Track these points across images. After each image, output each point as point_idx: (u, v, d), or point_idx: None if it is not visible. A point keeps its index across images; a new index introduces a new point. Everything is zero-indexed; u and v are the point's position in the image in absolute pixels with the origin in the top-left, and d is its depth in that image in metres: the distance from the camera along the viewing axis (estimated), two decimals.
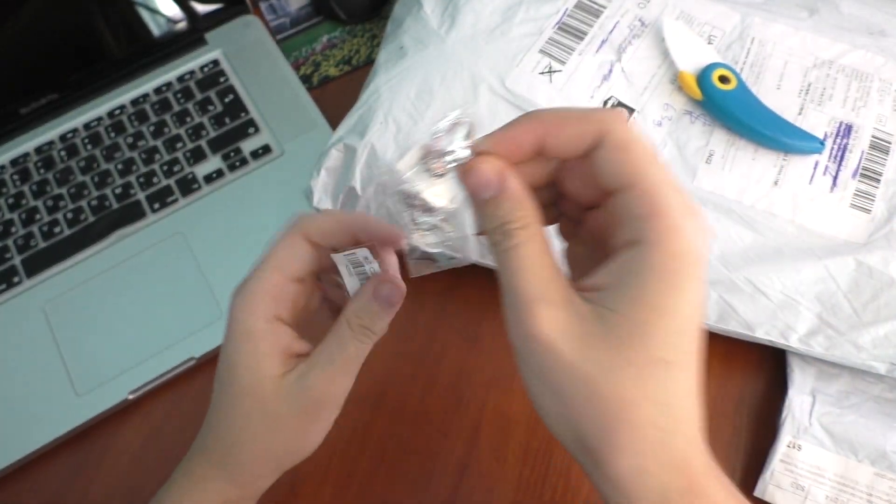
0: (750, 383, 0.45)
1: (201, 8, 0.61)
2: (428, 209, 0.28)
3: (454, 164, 0.26)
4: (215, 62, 0.60)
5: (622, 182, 0.25)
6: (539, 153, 0.26)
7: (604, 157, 0.25)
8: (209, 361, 0.48)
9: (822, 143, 0.44)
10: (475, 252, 0.41)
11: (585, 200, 0.28)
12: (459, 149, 0.26)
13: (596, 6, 0.50)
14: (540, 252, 0.25)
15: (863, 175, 0.44)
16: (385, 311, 0.32)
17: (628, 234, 0.24)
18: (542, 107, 0.46)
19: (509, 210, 0.26)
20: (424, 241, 0.29)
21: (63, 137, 0.58)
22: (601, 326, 0.23)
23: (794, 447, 0.41)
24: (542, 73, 0.47)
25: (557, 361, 0.23)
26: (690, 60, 0.47)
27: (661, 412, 0.23)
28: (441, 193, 0.27)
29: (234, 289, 0.32)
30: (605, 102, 0.46)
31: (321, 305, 0.36)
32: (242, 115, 0.58)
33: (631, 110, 0.46)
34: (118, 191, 0.55)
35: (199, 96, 0.59)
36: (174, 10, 0.61)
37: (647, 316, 0.23)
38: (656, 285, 0.23)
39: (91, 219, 0.54)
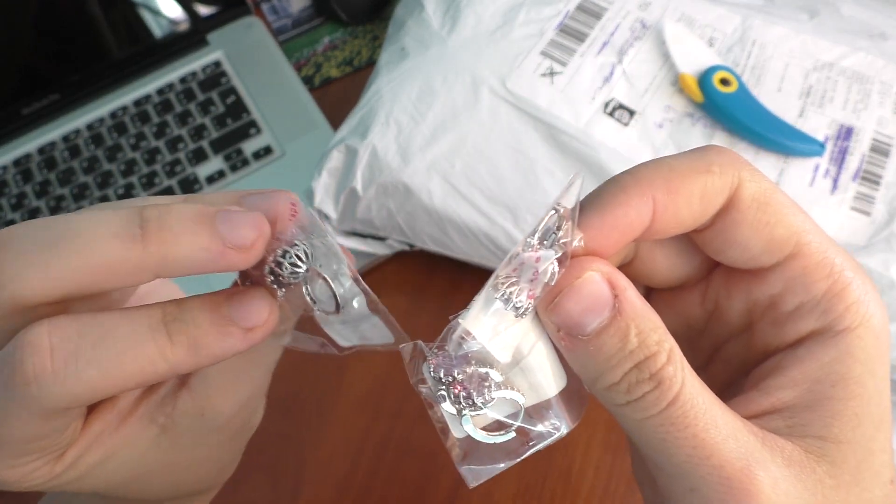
0: None
1: (203, 9, 0.61)
2: (480, 376, 0.18)
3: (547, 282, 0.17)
4: (217, 63, 0.61)
5: (779, 251, 0.18)
6: (644, 236, 0.18)
7: (744, 223, 0.18)
8: None
9: (822, 145, 0.45)
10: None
11: (660, 281, 0.21)
12: (549, 262, 0.17)
13: (597, 8, 0.50)
14: (702, 386, 0.17)
15: (863, 178, 0.44)
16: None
17: (806, 321, 0.18)
18: (542, 107, 0.46)
19: (644, 337, 0.16)
20: (480, 426, 0.19)
21: (65, 138, 0.58)
22: (827, 468, 0.17)
23: None
24: (544, 74, 0.47)
25: None
26: (691, 62, 0.47)
27: None
28: (506, 342, 0.18)
29: None
30: (607, 104, 0.46)
31: None
32: (244, 115, 0.58)
33: (632, 112, 0.46)
34: (120, 191, 0.55)
35: (200, 97, 0.59)
36: (176, 12, 0.61)
37: (872, 432, 0.17)
38: (872, 386, 0.17)
39: None
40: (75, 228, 0.17)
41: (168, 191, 0.55)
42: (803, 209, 0.19)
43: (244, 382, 0.23)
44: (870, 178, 0.44)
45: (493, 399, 0.18)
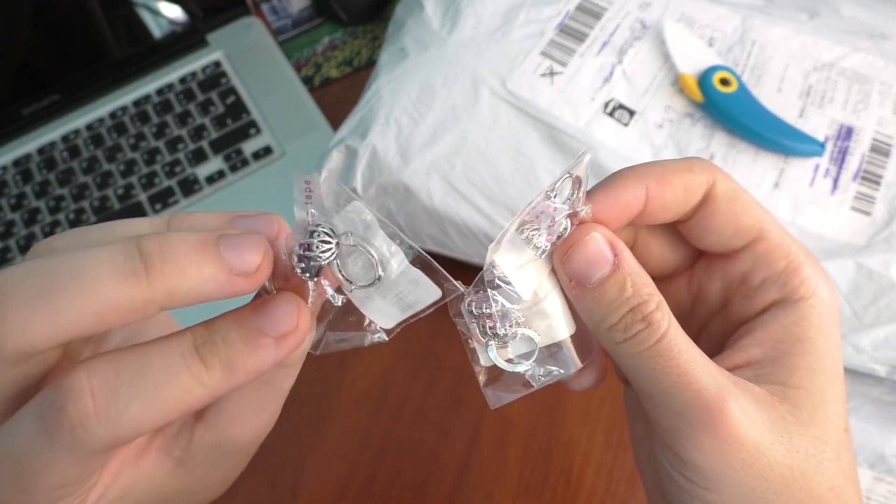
0: None
1: (203, 9, 0.61)
2: (505, 313, 0.21)
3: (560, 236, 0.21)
4: (217, 63, 0.60)
5: (746, 236, 0.22)
6: (637, 220, 0.22)
7: (718, 214, 0.22)
8: None
9: (822, 145, 0.45)
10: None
11: (656, 268, 0.25)
12: (563, 215, 0.20)
13: (597, 8, 0.50)
14: (684, 334, 0.20)
15: (863, 178, 0.44)
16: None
17: (769, 292, 0.22)
18: (542, 107, 0.46)
19: (638, 288, 0.20)
20: (503, 358, 0.22)
21: (65, 138, 0.58)
22: (788, 407, 0.20)
23: None
24: (544, 74, 0.47)
25: (767, 464, 0.20)
26: (691, 63, 0.47)
27: (857, 490, 0.21)
28: (527, 283, 0.21)
29: None
30: (607, 104, 0.46)
31: None
32: (244, 116, 0.58)
33: (632, 112, 0.46)
34: (120, 191, 0.55)
35: (200, 97, 0.59)
36: (176, 12, 0.61)
37: (826, 384, 0.21)
38: (824, 347, 0.21)
39: (93, 219, 0.54)
40: (75, 271, 0.17)
41: (168, 191, 0.55)
42: (764, 206, 0.23)
43: (259, 411, 0.23)
44: (870, 178, 0.44)
45: (515, 334, 0.21)
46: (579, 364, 0.22)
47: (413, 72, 0.48)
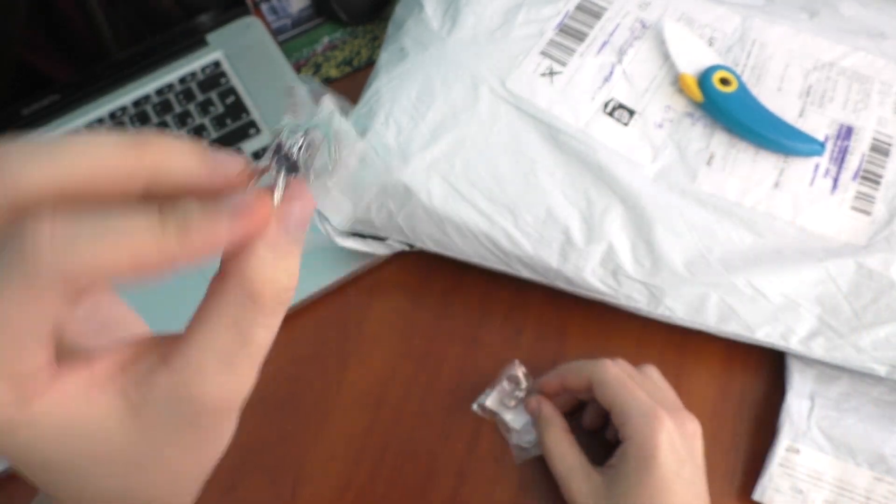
0: (750, 385, 0.45)
1: (202, 9, 0.61)
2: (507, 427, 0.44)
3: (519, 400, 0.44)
4: (216, 63, 0.60)
5: (607, 404, 0.39)
6: (564, 390, 0.43)
7: (595, 391, 0.40)
8: None
9: (822, 145, 0.44)
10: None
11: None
12: (520, 394, 0.44)
13: (597, 8, 0.50)
14: (565, 438, 0.41)
15: (863, 177, 0.44)
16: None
17: (621, 432, 0.38)
18: (542, 107, 0.46)
19: (545, 416, 0.42)
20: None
21: None
22: (610, 490, 0.38)
23: (792, 451, 0.41)
24: (543, 74, 0.47)
25: None
26: (691, 62, 0.47)
27: None
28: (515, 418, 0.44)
29: None
30: (607, 104, 0.46)
31: None
32: (243, 116, 0.58)
33: (631, 112, 0.46)
34: None
35: (200, 97, 0.59)
36: (175, 12, 0.61)
37: (632, 483, 0.37)
38: (636, 464, 0.37)
39: None
40: (75, 137, 0.18)
41: None
42: (628, 384, 0.40)
43: (228, 366, 0.20)
44: (870, 177, 0.44)
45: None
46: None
47: (412, 72, 0.48)
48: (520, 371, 0.44)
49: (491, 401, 0.44)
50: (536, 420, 0.42)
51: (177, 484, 0.22)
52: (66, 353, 0.20)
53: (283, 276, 0.20)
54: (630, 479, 0.37)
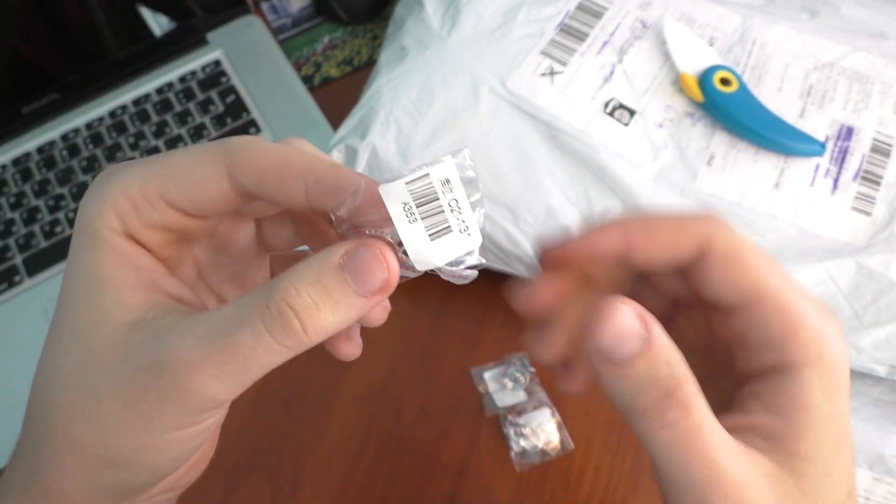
0: None
1: (203, 8, 0.61)
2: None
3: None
4: (217, 62, 0.60)
5: (742, 299, 0.21)
6: (622, 265, 0.23)
7: (713, 271, 0.22)
8: None
9: (822, 145, 0.44)
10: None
11: (678, 295, 0.24)
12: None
13: (597, 8, 0.50)
14: (711, 413, 0.20)
15: (864, 178, 0.44)
16: (347, 294, 0.19)
17: (768, 356, 0.21)
18: (542, 107, 0.46)
19: (670, 367, 0.19)
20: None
21: (64, 137, 0.58)
22: (795, 480, 0.20)
23: None
24: (544, 74, 0.47)
25: None
26: (692, 62, 0.47)
27: None
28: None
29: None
30: (607, 104, 0.46)
31: (254, 251, 0.26)
32: (244, 115, 0.58)
33: (632, 112, 0.46)
34: None
35: (200, 96, 0.59)
36: (175, 11, 0.61)
37: (830, 452, 0.21)
38: (828, 411, 0.21)
39: None
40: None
41: None
42: (772, 261, 0.22)
43: (239, 380, 0.20)
44: (870, 178, 0.44)
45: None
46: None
47: (413, 71, 0.48)
48: (523, 360, 0.44)
49: (490, 374, 0.44)
50: (625, 364, 0.19)
51: (162, 443, 0.20)
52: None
53: (318, 311, 0.19)
54: (828, 439, 0.21)
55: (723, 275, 0.22)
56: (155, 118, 0.58)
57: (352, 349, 0.25)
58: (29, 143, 0.58)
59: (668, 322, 0.23)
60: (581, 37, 0.49)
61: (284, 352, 0.19)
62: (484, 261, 0.22)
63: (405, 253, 0.21)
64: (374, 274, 0.19)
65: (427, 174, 0.20)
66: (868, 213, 0.43)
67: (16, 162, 0.58)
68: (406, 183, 0.20)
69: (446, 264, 0.21)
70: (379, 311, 0.23)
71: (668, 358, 0.19)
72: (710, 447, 0.19)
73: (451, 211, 0.21)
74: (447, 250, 0.21)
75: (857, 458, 0.40)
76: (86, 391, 0.19)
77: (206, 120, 0.58)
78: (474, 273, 0.22)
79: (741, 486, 0.19)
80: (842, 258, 0.42)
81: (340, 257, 0.19)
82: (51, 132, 0.59)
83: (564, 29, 0.49)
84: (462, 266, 0.21)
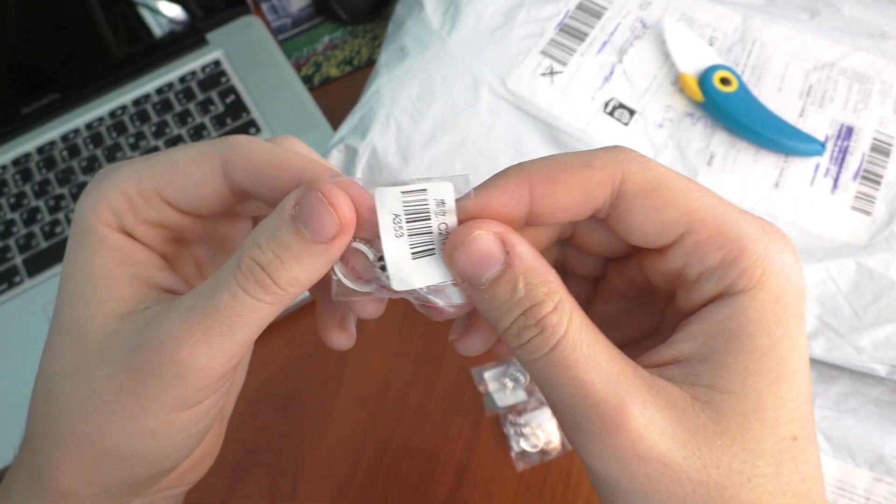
0: None
1: (202, 8, 0.61)
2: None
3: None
4: (217, 62, 0.60)
5: (672, 232, 0.19)
6: (530, 221, 0.20)
7: (634, 211, 0.19)
8: None
9: (822, 145, 0.44)
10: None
11: (606, 252, 0.23)
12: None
13: (597, 8, 0.50)
14: (591, 334, 0.18)
15: (864, 177, 0.44)
16: (304, 243, 0.19)
17: (706, 287, 0.19)
18: (542, 107, 0.46)
19: (532, 288, 0.18)
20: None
21: (64, 137, 0.58)
22: (712, 414, 0.18)
23: None
24: (544, 74, 0.47)
25: (677, 480, 0.18)
26: (692, 62, 0.47)
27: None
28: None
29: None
30: (607, 104, 0.46)
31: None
32: (244, 115, 0.58)
33: (632, 112, 0.46)
34: None
35: (200, 96, 0.59)
36: (175, 11, 0.61)
37: (764, 387, 0.18)
38: (767, 342, 0.18)
39: None
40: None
41: None
42: (701, 186, 0.20)
43: (228, 346, 0.20)
44: (870, 177, 0.44)
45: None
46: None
47: (413, 71, 0.48)
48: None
49: (490, 374, 0.45)
50: (488, 287, 0.19)
51: (163, 435, 0.21)
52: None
53: (282, 264, 0.19)
54: (760, 372, 0.18)
55: (647, 213, 0.19)
56: (155, 118, 0.58)
57: (344, 339, 0.24)
58: (29, 143, 0.58)
59: (602, 280, 0.23)
60: (581, 37, 0.49)
61: (264, 307, 0.19)
62: (464, 302, 0.21)
63: (383, 268, 0.20)
64: (325, 220, 0.18)
65: (424, 189, 0.20)
66: (868, 213, 0.43)
67: (16, 162, 0.58)
68: (402, 192, 0.19)
69: (423, 291, 0.20)
70: (373, 305, 0.22)
71: (527, 279, 0.18)
72: (573, 362, 0.18)
73: (439, 234, 0.20)
74: (426, 274, 0.20)
75: (857, 458, 0.40)
76: (84, 384, 0.20)
77: (206, 120, 0.58)
78: (451, 310, 0.21)
79: (617, 410, 0.17)
80: (842, 258, 0.41)
81: (292, 208, 0.19)
82: (51, 132, 0.59)
83: (564, 29, 0.49)
84: (440, 300, 0.21)
